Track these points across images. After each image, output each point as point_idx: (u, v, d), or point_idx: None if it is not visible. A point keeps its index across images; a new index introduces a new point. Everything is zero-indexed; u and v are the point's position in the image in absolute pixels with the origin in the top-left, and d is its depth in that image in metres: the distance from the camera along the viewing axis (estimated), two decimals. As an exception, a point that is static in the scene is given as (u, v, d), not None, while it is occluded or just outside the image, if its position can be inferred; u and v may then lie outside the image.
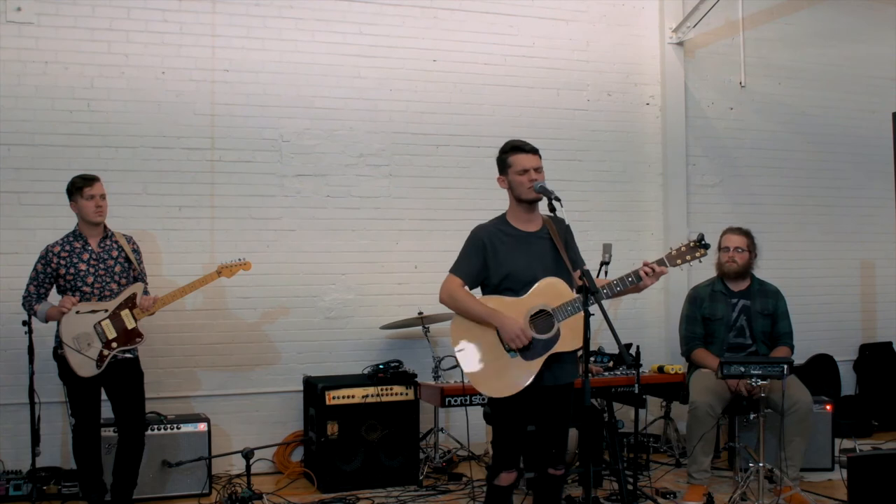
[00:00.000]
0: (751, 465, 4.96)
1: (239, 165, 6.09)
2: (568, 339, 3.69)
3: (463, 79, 6.58)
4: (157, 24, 5.92)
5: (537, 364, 3.67)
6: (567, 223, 3.75)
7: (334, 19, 6.30)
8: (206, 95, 6.03)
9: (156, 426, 5.30)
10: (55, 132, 5.71)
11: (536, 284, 3.72)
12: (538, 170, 3.77)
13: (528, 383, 3.66)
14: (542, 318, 3.71)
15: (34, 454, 5.02)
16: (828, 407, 5.87)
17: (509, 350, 3.68)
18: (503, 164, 3.84)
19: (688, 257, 3.82)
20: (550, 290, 3.73)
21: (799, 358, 6.25)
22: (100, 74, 5.81)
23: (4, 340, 5.55)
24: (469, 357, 3.73)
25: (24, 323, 4.95)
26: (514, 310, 3.70)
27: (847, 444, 6.25)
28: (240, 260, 5.22)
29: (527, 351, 3.67)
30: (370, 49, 6.36)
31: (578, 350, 3.73)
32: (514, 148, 3.81)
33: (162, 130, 5.93)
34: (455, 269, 3.84)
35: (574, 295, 3.71)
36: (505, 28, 6.70)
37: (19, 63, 5.66)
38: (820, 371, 7.29)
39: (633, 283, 3.74)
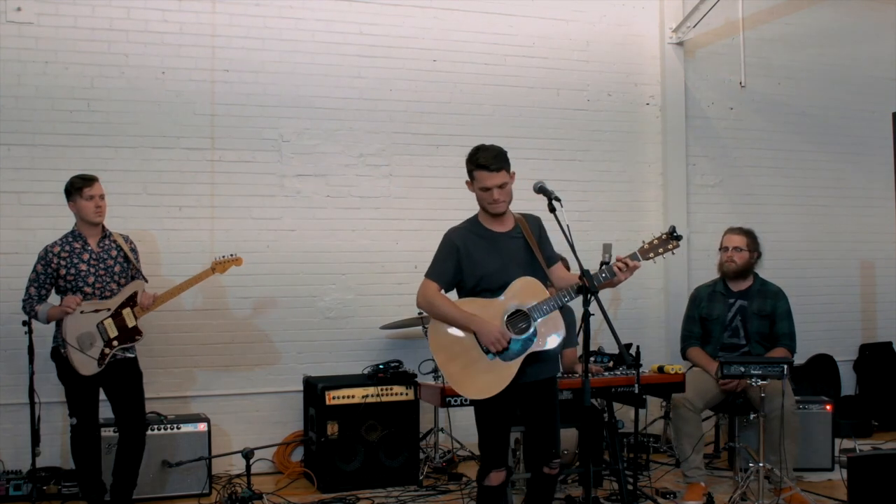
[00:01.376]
0: (751, 465, 4.96)
1: (239, 165, 6.09)
2: (545, 337, 3.71)
3: (463, 79, 6.58)
4: (157, 24, 5.92)
5: (516, 364, 3.68)
6: (538, 220, 3.74)
7: (334, 19, 6.30)
8: (206, 95, 6.02)
9: (156, 426, 5.30)
10: (55, 132, 5.71)
11: (511, 285, 3.73)
12: (502, 186, 3.73)
13: (507, 384, 3.67)
14: (518, 318, 3.72)
15: (34, 454, 5.03)
16: (828, 407, 5.87)
17: (488, 351, 3.69)
18: (469, 173, 3.81)
19: (660, 250, 3.80)
20: (526, 290, 3.73)
21: (799, 358, 6.25)
22: (100, 74, 5.81)
23: (4, 340, 5.55)
24: (448, 360, 3.74)
25: (24, 323, 4.96)
26: (490, 311, 3.71)
27: (847, 444, 6.24)
28: (231, 255, 5.22)
29: (505, 352, 3.68)
30: (370, 49, 6.36)
31: (557, 347, 3.75)
32: (478, 165, 3.74)
33: (162, 130, 5.93)
34: (430, 274, 3.84)
35: (548, 294, 3.73)
36: (505, 28, 6.70)
37: (19, 63, 5.66)
38: (820, 371, 7.29)
39: (607, 278, 3.72)
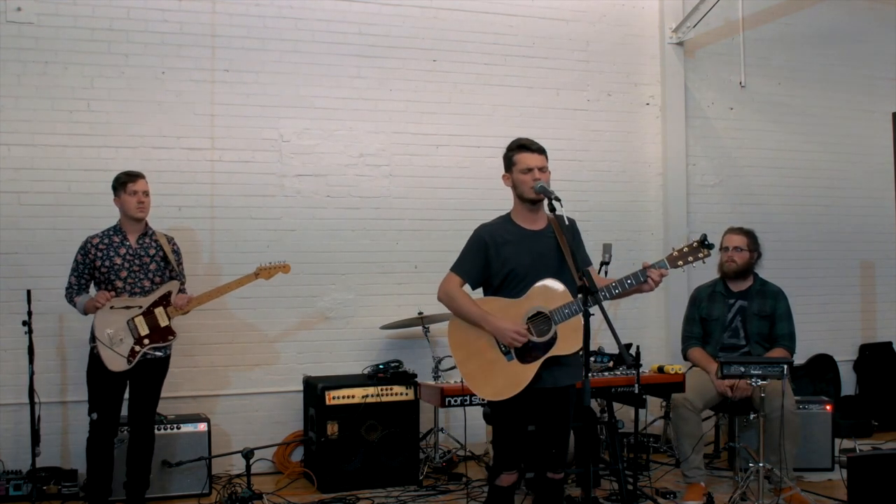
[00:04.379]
0: (750, 465, 4.95)
1: (239, 165, 6.09)
2: (565, 341, 3.67)
3: (463, 79, 6.58)
4: (157, 24, 5.92)
5: (534, 367, 3.65)
6: (569, 221, 3.72)
7: (334, 19, 6.30)
8: (206, 95, 6.03)
9: (156, 426, 5.29)
10: (55, 132, 5.71)
11: (533, 287, 3.70)
12: (543, 169, 3.76)
13: (524, 386, 3.63)
14: (539, 321, 3.68)
15: (34, 454, 5.04)
16: (828, 407, 5.87)
17: (506, 353, 3.66)
18: (508, 162, 3.83)
19: (690, 258, 3.75)
20: (548, 292, 3.70)
21: (799, 358, 6.25)
22: (100, 74, 5.81)
23: (4, 340, 5.54)
24: (466, 359, 3.71)
25: (24, 323, 4.99)
26: (511, 312, 3.68)
27: (847, 444, 6.24)
28: (279, 262, 5.26)
29: (524, 354, 3.65)
30: (370, 49, 6.36)
31: (578, 352, 3.69)
32: (520, 146, 3.80)
33: (162, 130, 5.93)
34: (455, 268, 3.82)
35: (570, 297, 3.69)
36: (505, 28, 6.70)
37: (19, 63, 5.66)
38: (820, 371, 7.29)
39: (633, 285, 3.70)
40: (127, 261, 4.82)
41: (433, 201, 6.49)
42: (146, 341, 4.77)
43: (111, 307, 4.72)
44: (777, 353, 5.34)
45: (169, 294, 4.87)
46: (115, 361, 4.70)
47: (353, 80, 6.33)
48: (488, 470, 3.97)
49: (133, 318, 4.77)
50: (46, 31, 5.71)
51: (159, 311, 4.83)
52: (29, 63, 5.68)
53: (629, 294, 3.78)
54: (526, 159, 3.75)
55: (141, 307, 4.80)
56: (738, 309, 5.45)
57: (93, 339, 4.73)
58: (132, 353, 4.73)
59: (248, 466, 4.85)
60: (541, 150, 3.79)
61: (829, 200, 7.58)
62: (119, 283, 4.79)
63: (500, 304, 3.71)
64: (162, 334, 4.83)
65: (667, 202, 7.06)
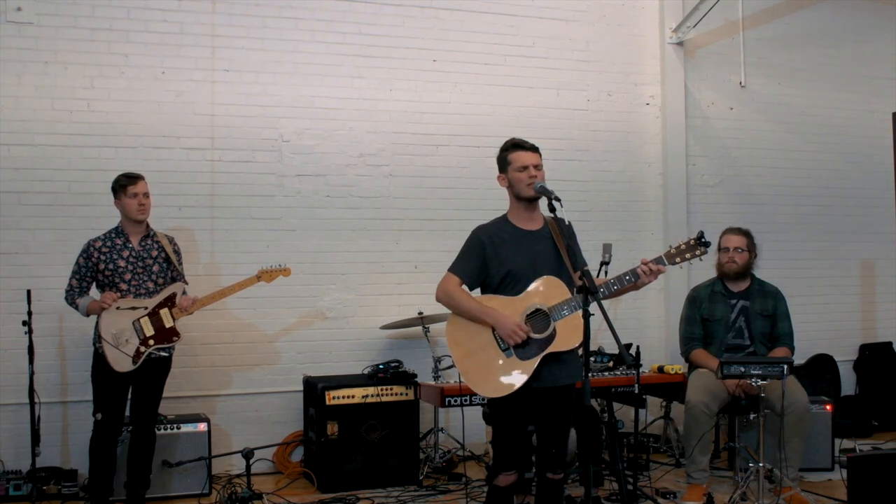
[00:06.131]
0: (751, 465, 4.95)
1: (239, 165, 6.09)
2: (564, 338, 3.67)
3: (463, 79, 6.58)
4: (157, 24, 5.92)
5: (533, 363, 3.65)
6: (568, 223, 3.73)
7: (334, 19, 6.30)
8: (206, 95, 6.02)
9: (156, 426, 5.29)
10: (55, 132, 5.71)
11: (533, 284, 3.71)
12: (538, 167, 3.78)
13: (523, 383, 3.64)
14: (538, 318, 3.69)
15: (34, 454, 5.05)
16: (828, 407, 5.87)
17: (505, 349, 3.67)
18: (503, 162, 3.85)
19: (687, 255, 3.78)
20: (547, 289, 3.71)
21: (799, 358, 6.25)
22: (100, 74, 5.81)
23: (4, 340, 5.55)
24: (465, 356, 3.71)
25: (24, 323, 4.99)
26: (510, 309, 3.69)
27: (847, 444, 6.24)
28: (279, 265, 5.26)
29: (523, 350, 3.65)
30: (370, 49, 6.36)
31: (577, 349, 3.70)
32: (514, 145, 3.84)
33: (162, 130, 5.93)
34: (453, 268, 3.83)
35: (570, 294, 3.70)
36: (505, 28, 6.70)
37: (19, 63, 5.66)
38: (820, 371, 7.29)
39: (631, 281, 3.72)
40: (131, 263, 4.84)
41: (433, 201, 6.49)
42: (151, 342, 4.79)
43: (117, 308, 4.74)
44: (781, 352, 5.35)
45: (174, 296, 4.89)
46: (121, 362, 4.71)
47: (353, 80, 6.33)
48: (488, 470, 3.98)
49: (139, 319, 4.78)
50: (46, 31, 5.71)
51: (164, 312, 4.84)
52: (29, 63, 5.68)
53: (628, 290, 3.79)
54: (521, 157, 3.78)
55: (146, 308, 4.81)
56: (741, 309, 5.45)
57: (98, 339, 4.74)
58: (137, 353, 4.74)
59: (248, 466, 4.86)
60: (534, 149, 3.82)
61: (829, 200, 7.58)
62: (123, 286, 4.80)
63: (499, 301, 3.72)
64: (167, 335, 4.84)
65: (667, 202, 7.06)
